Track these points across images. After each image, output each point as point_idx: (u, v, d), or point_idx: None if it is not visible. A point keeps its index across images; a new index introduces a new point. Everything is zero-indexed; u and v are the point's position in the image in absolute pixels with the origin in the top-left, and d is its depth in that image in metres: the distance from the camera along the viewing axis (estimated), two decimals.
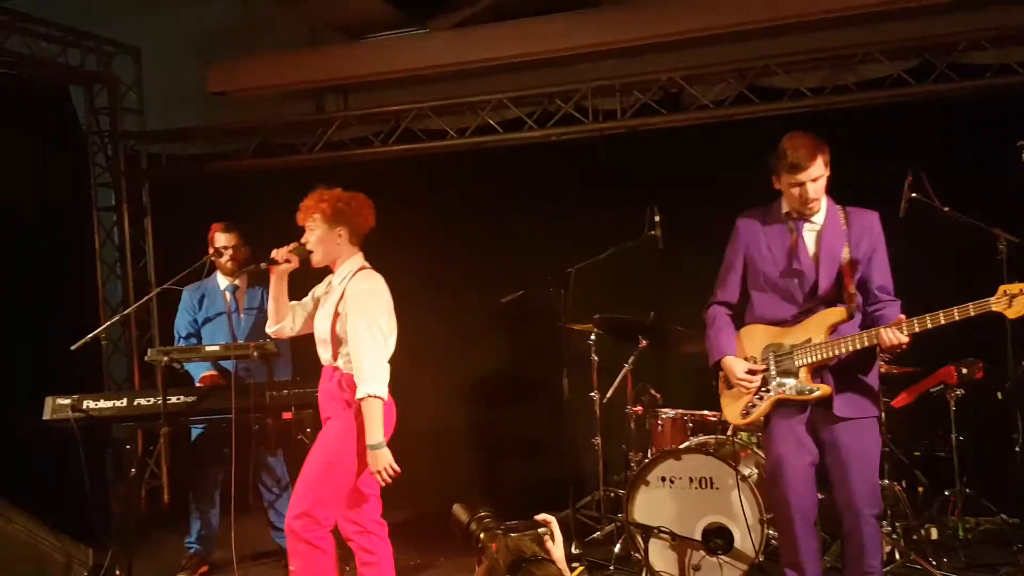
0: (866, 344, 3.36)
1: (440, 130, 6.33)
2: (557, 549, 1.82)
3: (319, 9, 6.04)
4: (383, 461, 3.57)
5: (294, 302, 3.92)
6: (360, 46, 6.34)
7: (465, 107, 6.28)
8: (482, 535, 1.82)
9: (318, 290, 3.93)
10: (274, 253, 3.79)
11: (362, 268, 3.78)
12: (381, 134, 6.45)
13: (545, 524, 1.83)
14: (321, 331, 3.74)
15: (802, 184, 3.40)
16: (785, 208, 3.53)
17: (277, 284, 3.82)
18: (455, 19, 5.94)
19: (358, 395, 3.55)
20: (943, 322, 3.25)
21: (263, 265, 3.83)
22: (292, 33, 6.46)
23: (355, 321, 3.59)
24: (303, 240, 3.78)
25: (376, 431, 3.54)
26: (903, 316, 3.34)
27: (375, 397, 3.53)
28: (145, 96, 6.97)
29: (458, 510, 1.87)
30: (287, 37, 6.47)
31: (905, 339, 3.29)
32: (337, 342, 3.67)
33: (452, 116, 6.32)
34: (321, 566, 3.66)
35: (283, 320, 3.88)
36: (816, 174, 3.40)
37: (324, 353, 3.74)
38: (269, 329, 3.96)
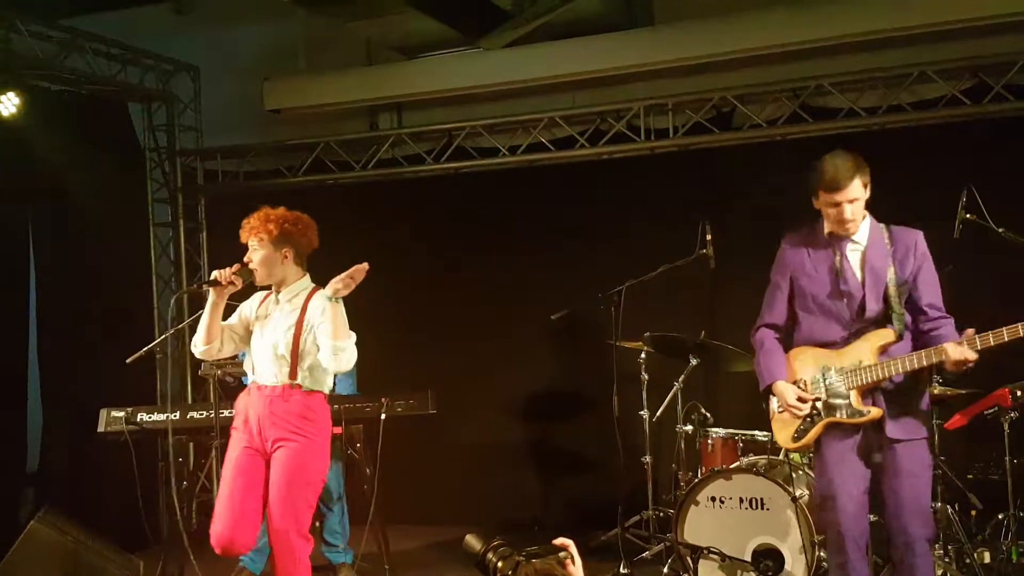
0: (933, 361, 3.39)
1: (492, 148, 6.48)
2: (578, 572, 1.90)
3: (374, 28, 6.25)
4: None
5: (224, 323, 3.97)
6: (414, 65, 6.55)
7: (517, 125, 6.43)
8: (500, 563, 1.88)
9: (245, 309, 4.00)
10: (217, 274, 3.83)
11: (317, 288, 3.89)
12: (434, 151, 6.61)
13: (564, 548, 1.91)
14: (279, 348, 3.80)
15: (839, 204, 3.48)
16: (827, 228, 3.60)
17: (215, 305, 3.86)
18: (508, 38, 6.06)
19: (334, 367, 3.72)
20: (1007, 339, 3.29)
21: (205, 287, 3.86)
22: (347, 52, 6.68)
23: (327, 335, 3.71)
24: (246, 260, 3.87)
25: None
26: (971, 331, 3.35)
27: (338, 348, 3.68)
28: (202, 113, 7.22)
29: (471, 540, 1.94)
30: (343, 56, 6.69)
31: (973, 356, 3.32)
32: (298, 358, 3.78)
33: (504, 134, 6.48)
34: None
35: (213, 341, 3.91)
36: (853, 195, 3.47)
37: (280, 370, 3.80)
38: (197, 350, 3.97)
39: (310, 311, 3.82)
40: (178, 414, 4.92)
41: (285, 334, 3.81)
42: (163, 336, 5.71)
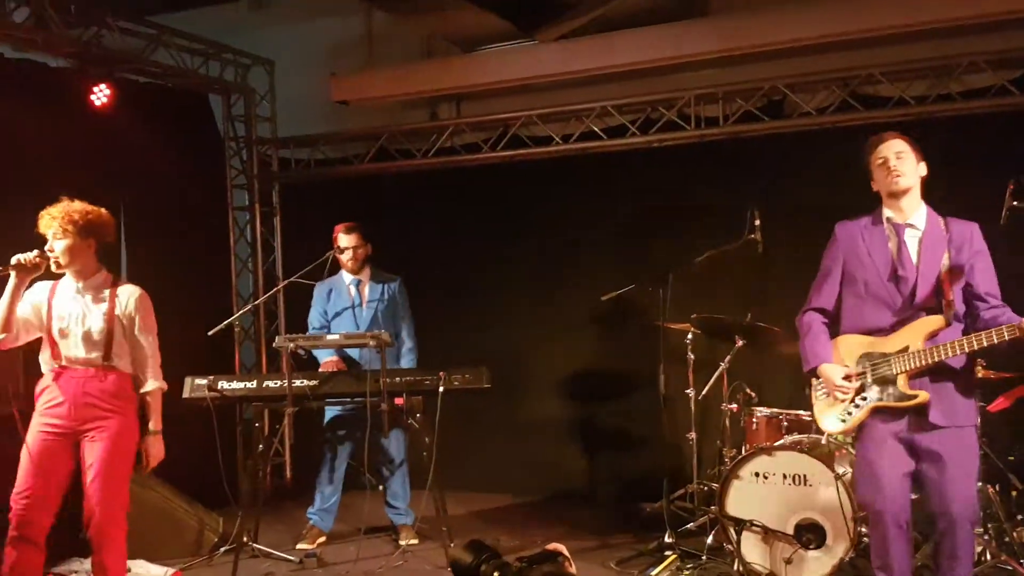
0: (1005, 338, 3.20)
1: (546, 136, 6.42)
2: (574, 572, 1.88)
3: (435, 23, 6.22)
4: (162, 447, 3.97)
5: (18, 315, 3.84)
6: (472, 57, 6.50)
7: (571, 114, 6.36)
8: (495, 573, 1.83)
9: (34, 298, 3.85)
10: (20, 258, 3.71)
11: (119, 279, 3.93)
12: (490, 140, 6.58)
13: (559, 552, 1.88)
14: (94, 333, 3.79)
15: (885, 160, 3.41)
16: (886, 213, 3.47)
17: (15, 291, 3.74)
18: (562, 30, 6.01)
19: (151, 387, 3.91)
20: None
21: (9, 270, 3.72)
22: (409, 46, 6.68)
23: (146, 327, 3.90)
24: (48, 248, 3.77)
25: (160, 419, 3.95)
26: None
27: (163, 389, 3.97)
28: (277, 104, 7.29)
29: (458, 552, 1.89)
30: (405, 49, 6.69)
31: None
32: (110, 343, 3.79)
33: (558, 123, 6.41)
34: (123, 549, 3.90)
35: (11, 330, 3.79)
36: (898, 148, 3.41)
37: (92, 353, 3.79)
38: None
39: (122, 299, 3.86)
40: (254, 383, 4.97)
41: (99, 320, 3.81)
42: (241, 311, 5.82)
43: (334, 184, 7.04)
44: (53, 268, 3.80)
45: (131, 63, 6.20)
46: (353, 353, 5.28)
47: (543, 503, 6.28)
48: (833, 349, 3.56)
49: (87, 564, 4.03)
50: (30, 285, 3.84)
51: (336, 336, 5.03)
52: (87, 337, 3.81)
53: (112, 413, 3.81)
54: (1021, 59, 5.33)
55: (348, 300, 5.33)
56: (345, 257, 5.29)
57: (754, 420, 4.84)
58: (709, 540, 4.66)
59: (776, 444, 4.48)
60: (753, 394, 5.02)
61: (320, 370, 5.19)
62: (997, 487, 4.56)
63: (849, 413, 3.48)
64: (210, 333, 5.14)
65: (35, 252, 3.74)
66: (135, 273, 6.32)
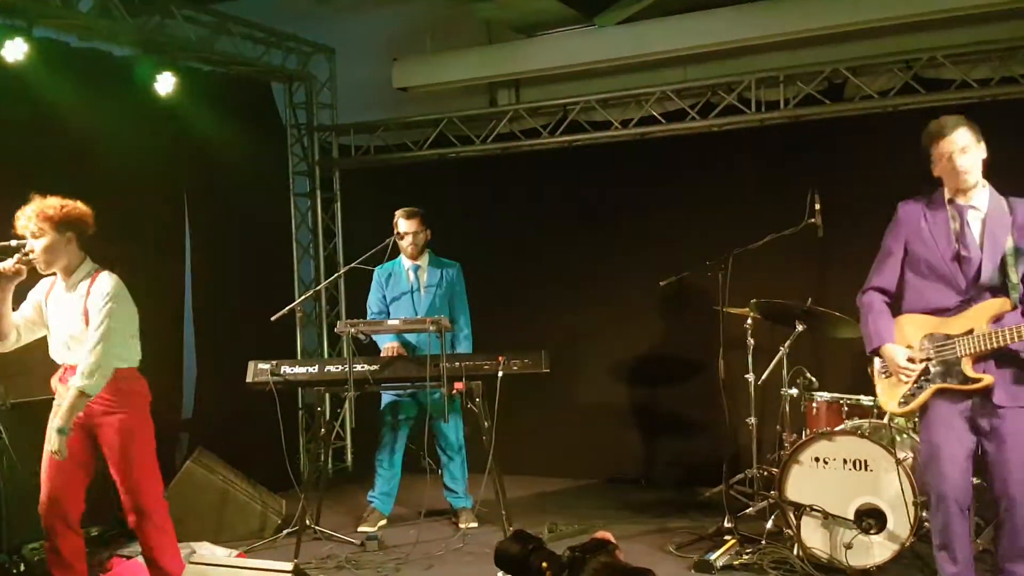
0: None
1: (605, 121, 6.42)
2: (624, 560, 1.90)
3: (494, 9, 6.26)
4: (64, 446, 3.64)
5: (17, 316, 3.82)
6: (532, 43, 6.52)
7: (630, 99, 6.35)
8: (544, 564, 1.85)
9: (35, 295, 3.87)
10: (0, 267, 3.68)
11: (99, 270, 3.78)
12: (549, 126, 6.59)
13: (608, 541, 1.90)
14: (75, 332, 3.73)
15: (950, 155, 3.37)
16: (948, 195, 3.46)
17: (2, 299, 3.72)
18: (622, 15, 6.02)
19: (74, 383, 3.60)
20: None
21: None
22: (469, 32, 6.71)
23: (94, 319, 3.66)
24: (27, 250, 3.70)
25: (69, 418, 3.62)
26: None
27: (84, 394, 3.62)
28: (337, 92, 7.39)
29: (504, 544, 1.92)
30: (464, 36, 6.73)
31: None
32: None
33: (617, 108, 6.41)
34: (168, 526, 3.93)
35: (7, 336, 3.77)
36: (962, 143, 3.36)
37: (80, 352, 3.71)
38: None
39: (91, 293, 3.73)
40: (316, 367, 5.07)
41: (79, 318, 3.73)
42: (302, 297, 5.93)
43: (393, 170, 7.12)
44: (40, 269, 3.76)
45: (194, 51, 6.28)
46: (410, 338, 5.36)
47: (601, 487, 6.32)
48: (896, 329, 3.55)
49: None
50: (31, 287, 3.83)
51: (396, 321, 5.10)
52: (71, 341, 3.77)
53: (116, 409, 3.76)
54: None
55: (407, 285, 5.40)
56: (405, 243, 5.35)
57: (814, 405, 4.83)
58: (768, 525, 4.66)
59: (837, 429, 4.47)
60: (813, 379, 4.98)
61: (381, 355, 5.27)
62: None
63: (912, 395, 3.49)
64: (273, 318, 5.23)
65: (13, 259, 3.70)
66: (199, 258, 6.53)
